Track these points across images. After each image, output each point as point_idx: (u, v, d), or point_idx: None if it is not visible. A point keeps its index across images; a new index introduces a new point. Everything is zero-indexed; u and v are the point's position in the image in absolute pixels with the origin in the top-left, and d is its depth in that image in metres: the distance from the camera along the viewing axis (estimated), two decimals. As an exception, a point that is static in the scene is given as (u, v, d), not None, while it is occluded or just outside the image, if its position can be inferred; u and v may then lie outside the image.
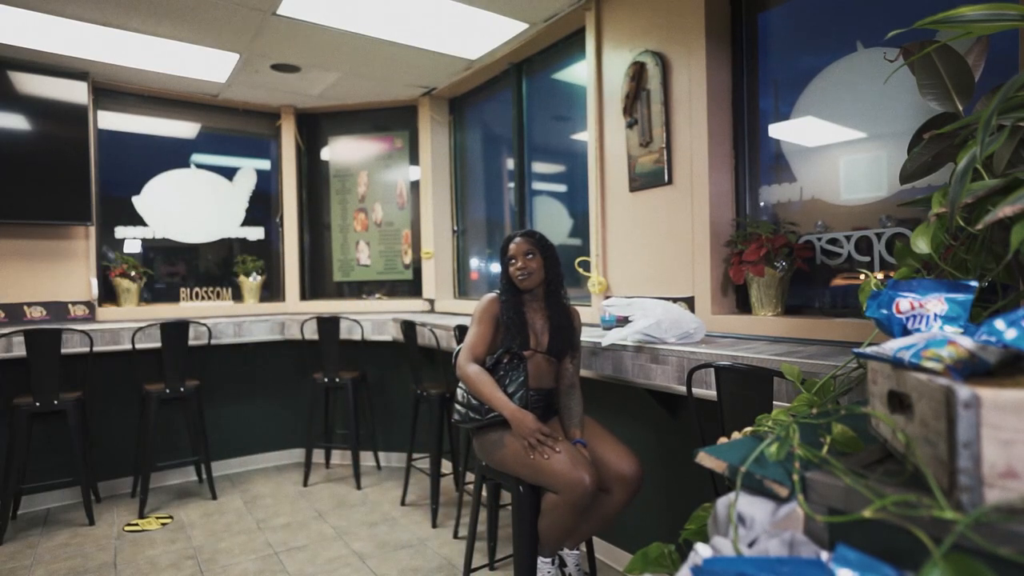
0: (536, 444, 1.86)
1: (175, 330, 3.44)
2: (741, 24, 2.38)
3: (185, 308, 4.05)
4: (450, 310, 4.11)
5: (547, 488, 1.88)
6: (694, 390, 1.76)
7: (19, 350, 3.07)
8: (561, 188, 3.57)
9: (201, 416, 3.58)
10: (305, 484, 3.79)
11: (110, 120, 3.90)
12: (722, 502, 0.67)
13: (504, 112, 3.82)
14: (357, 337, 3.82)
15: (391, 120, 4.41)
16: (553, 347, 2.12)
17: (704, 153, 2.33)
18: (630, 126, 2.64)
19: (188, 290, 4.13)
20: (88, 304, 3.69)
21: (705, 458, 0.72)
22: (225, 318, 3.91)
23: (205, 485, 3.72)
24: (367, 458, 4.16)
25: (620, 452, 1.99)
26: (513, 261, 2.11)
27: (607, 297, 2.81)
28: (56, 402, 3.10)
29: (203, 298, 4.16)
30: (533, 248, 2.11)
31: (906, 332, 0.75)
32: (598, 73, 2.84)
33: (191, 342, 3.56)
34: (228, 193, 4.34)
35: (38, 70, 3.42)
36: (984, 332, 0.58)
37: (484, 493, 2.46)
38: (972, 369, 0.56)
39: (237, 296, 4.32)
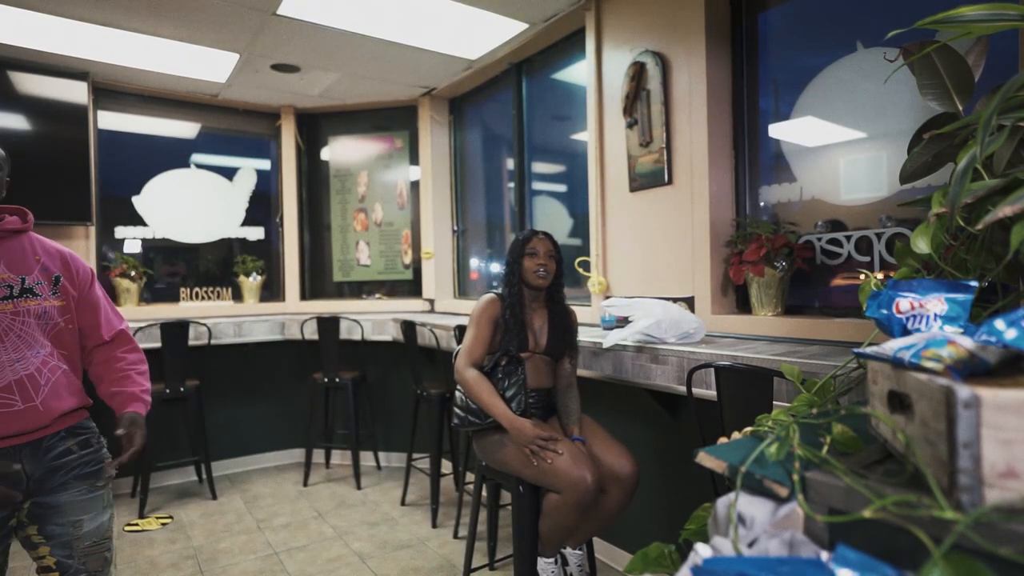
0: (536, 450, 1.86)
1: (175, 330, 3.44)
2: (741, 24, 2.38)
3: (185, 308, 4.05)
4: (450, 310, 4.11)
5: (549, 488, 1.88)
6: (694, 390, 1.76)
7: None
8: (561, 188, 3.57)
9: (201, 416, 3.58)
10: (305, 484, 3.79)
11: (110, 120, 3.90)
12: (722, 502, 0.67)
13: (504, 112, 3.82)
14: (357, 337, 3.83)
15: (391, 120, 4.41)
16: (551, 347, 2.12)
17: (704, 153, 2.33)
18: (630, 126, 2.64)
19: (188, 290, 4.13)
20: (88, 304, 3.69)
21: (705, 458, 0.72)
22: (225, 318, 3.91)
23: (205, 485, 3.72)
24: (367, 458, 4.16)
25: (617, 451, 1.99)
26: (535, 256, 2.09)
27: (607, 297, 2.81)
28: (56, 402, 3.09)
29: (203, 298, 4.16)
30: (553, 250, 2.13)
31: (906, 332, 0.75)
32: (598, 73, 2.83)
33: (191, 342, 3.56)
34: (228, 193, 4.34)
35: (38, 70, 3.42)
36: (984, 332, 0.58)
37: (484, 493, 2.46)
38: (972, 369, 0.56)
39: (237, 296, 4.32)
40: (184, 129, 4.20)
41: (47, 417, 1.47)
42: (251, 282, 4.28)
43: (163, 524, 3.21)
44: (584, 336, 2.28)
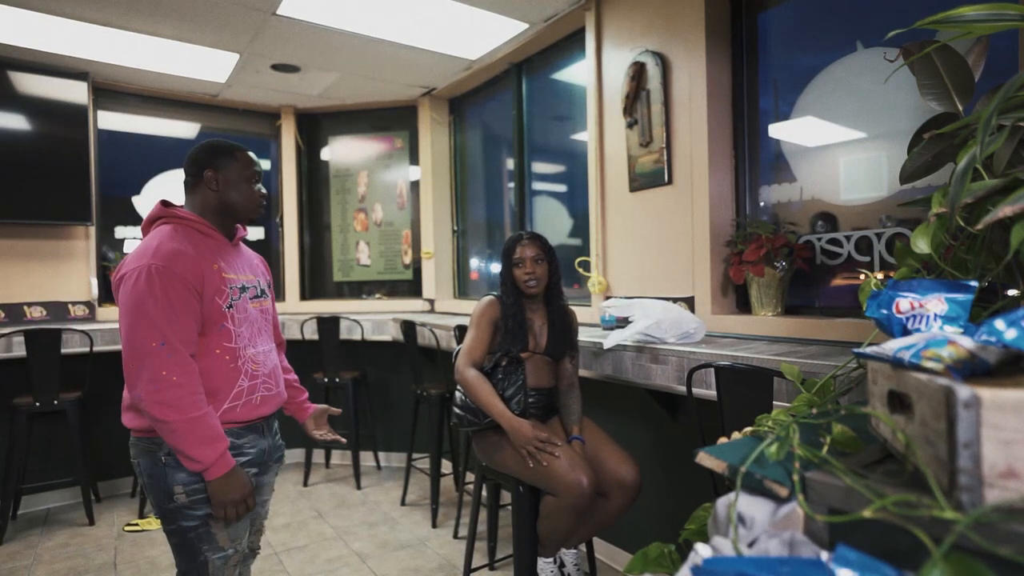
0: (534, 452, 1.86)
1: (175, 330, 3.43)
2: (741, 24, 2.38)
3: (185, 308, 4.04)
4: (450, 310, 4.11)
5: (545, 490, 1.88)
6: (694, 390, 1.76)
7: (19, 350, 3.06)
8: (561, 188, 3.57)
9: (201, 416, 3.57)
10: (305, 484, 3.79)
11: (110, 120, 3.90)
12: (722, 502, 0.67)
13: (504, 112, 3.82)
14: (357, 337, 3.82)
15: (391, 120, 4.41)
16: (551, 348, 2.11)
17: (704, 153, 2.33)
18: (630, 126, 2.64)
19: (188, 290, 4.12)
20: (88, 304, 3.69)
21: (705, 458, 0.72)
22: (225, 318, 3.90)
23: (205, 485, 3.71)
24: (367, 458, 4.16)
25: (620, 457, 1.98)
26: (520, 264, 2.07)
27: (607, 297, 2.81)
28: (56, 402, 3.10)
29: (203, 298, 4.15)
30: (541, 253, 2.09)
31: (906, 332, 0.75)
32: (598, 73, 2.83)
33: (191, 342, 3.55)
34: (228, 193, 4.33)
35: (38, 70, 3.43)
36: (984, 332, 0.58)
37: (484, 493, 2.46)
38: (972, 369, 0.56)
39: (237, 296, 4.31)
40: (184, 129, 4.20)
41: (282, 401, 1.66)
42: (251, 282, 4.27)
43: (163, 524, 3.20)
44: (584, 336, 2.27)
